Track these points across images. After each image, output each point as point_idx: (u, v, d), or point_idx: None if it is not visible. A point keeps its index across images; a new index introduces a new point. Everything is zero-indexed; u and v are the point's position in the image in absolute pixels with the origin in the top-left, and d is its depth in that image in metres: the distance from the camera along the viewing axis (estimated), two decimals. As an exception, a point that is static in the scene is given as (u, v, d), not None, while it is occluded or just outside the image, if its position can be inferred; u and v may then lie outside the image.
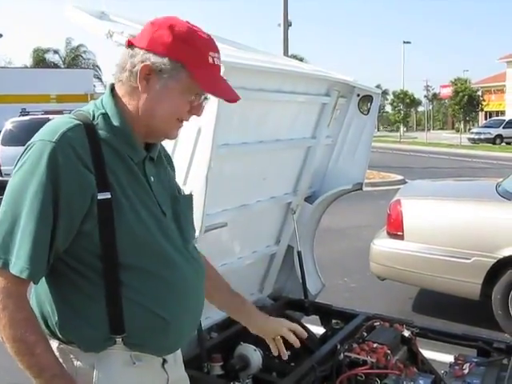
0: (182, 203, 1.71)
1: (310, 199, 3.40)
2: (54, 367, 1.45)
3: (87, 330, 1.51)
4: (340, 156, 3.48)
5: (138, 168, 1.58)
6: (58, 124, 1.49)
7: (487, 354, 2.83)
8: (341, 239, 8.37)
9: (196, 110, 1.59)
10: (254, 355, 2.66)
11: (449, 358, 2.85)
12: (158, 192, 1.62)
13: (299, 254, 3.24)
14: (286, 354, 2.04)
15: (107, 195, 1.47)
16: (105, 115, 1.55)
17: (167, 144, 1.88)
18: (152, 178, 1.61)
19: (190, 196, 1.79)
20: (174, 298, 1.58)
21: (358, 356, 2.62)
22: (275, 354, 2.05)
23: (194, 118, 1.61)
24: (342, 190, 3.40)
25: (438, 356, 3.64)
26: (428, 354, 3.13)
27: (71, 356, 1.55)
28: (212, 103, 2.16)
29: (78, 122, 1.50)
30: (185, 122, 1.62)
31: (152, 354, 1.61)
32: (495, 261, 4.82)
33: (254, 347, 2.69)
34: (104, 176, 1.48)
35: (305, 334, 2.08)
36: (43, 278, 1.52)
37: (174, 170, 1.84)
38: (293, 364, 2.97)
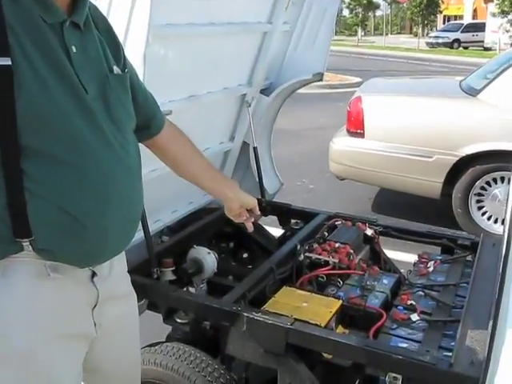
0: (111, 82, 1.42)
1: (266, 91, 3.14)
2: None
3: None
4: (299, 44, 3.18)
5: (53, 33, 1.30)
6: None
7: (451, 251, 2.74)
8: (298, 141, 8.22)
9: None
10: (208, 258, 2.51)
11: (411, 258, 2.77)
12: (81, 65, 1.34)
13: (255, 150, 3.02)
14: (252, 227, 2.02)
15: (6, 61, 1.20)
16: None
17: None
18: (74, 48, 1.33)
19: (124, 75, 1.50)
20: (89, 193, 1.33)
21: (319, 256, 2.52)
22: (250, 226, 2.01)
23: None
24: (301, 80, 3.13)
25: (401, 256, 3.59)
26: (390, 254, 3.04)
27: None
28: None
29: None
30: None
31: (70, 263, 1.37)
32: (457, 159, 4.77)
33: (208, 250, 2.55)
34: (3, 37, 1.20)
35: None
36: None
37: (114, 42, 1.54)
38: (250, 267, 2.85)
